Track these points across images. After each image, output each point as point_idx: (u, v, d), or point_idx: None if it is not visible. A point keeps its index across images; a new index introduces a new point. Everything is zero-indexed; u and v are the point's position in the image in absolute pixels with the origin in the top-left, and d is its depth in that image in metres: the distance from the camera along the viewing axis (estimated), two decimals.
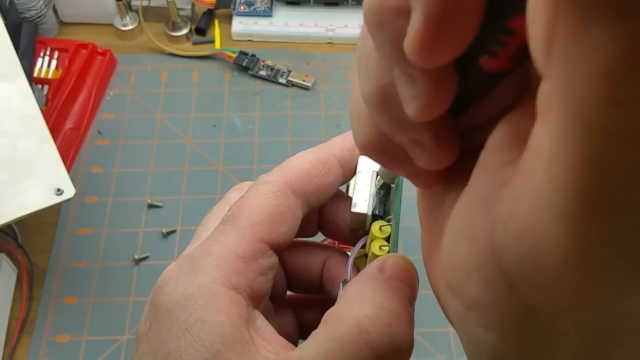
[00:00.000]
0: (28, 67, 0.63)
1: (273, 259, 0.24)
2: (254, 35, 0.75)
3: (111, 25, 0.75)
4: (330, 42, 0.75)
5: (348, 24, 0.75)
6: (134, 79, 0.72)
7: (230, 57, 0.72)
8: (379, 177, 0.28)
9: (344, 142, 0.29)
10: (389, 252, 0.26)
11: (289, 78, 0.70)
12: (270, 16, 0.75)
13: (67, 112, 0.67)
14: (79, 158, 0.65)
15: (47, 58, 0.69)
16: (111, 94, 0.71)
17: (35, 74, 0.67)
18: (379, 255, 0.26)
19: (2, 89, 0.52)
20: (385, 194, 0.29)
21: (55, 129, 0.65)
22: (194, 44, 0.75)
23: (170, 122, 0.68)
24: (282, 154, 0.65)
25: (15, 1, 0.65)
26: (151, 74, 0.72)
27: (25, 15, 0.69)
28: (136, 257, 0.58)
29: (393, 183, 0.28)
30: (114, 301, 0.56)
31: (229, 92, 0.71)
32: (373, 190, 0.29)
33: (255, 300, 0.22)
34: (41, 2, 0.70)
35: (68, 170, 0.62)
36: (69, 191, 0.48)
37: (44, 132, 0.50)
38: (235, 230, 0.23)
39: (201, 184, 0.63)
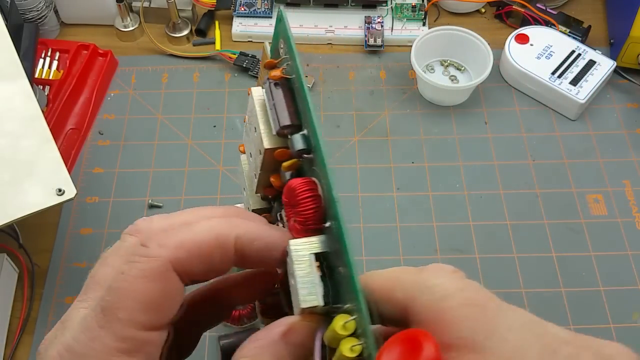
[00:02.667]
0: (29, 68, 0.63)
1: (159, 338, 0.23)
2: (254, 36, 0.75)
3: (112, 26, 0.75)
4: (330, 43, 0.75)
5: (348, 25, 0.75)
6: (134, 80, 0.72)
7: (230, 58, 0.72)
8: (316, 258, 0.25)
9: (248, 229, 0.25)
10: (364, 349, 0.22)
11: None
12: (270, 17, 0.75)
13: (68, 112, 0.67)
14: (80, 158, 0.65)
15: (48, 59, 0.69)
16: (112, 94, 0.71)
17: (37, 75, 0.67)
18: (351, 357, 0.22)
19: (4, 90, 0.52)
20: (329, 272, 0.26)
21: (56, 130, 0.65)
22: (195, 45, 0.75)
23: (171, 122, 0.68)
24: None
25: (16, 2, 0.65)
26: (152, 75, 0.72)
27: (27, 16, 0.69)
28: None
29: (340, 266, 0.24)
30: None
31: (229, 92, 0.71)
32: (317, 277, 0.25)
33: None
34: (42, 3, 0.70)
35: (69, 170, 0.62)
36: (70, 191, 0.48)
37: (45, 132, 0.50)
38: (113, 327, 0.21)
39: (202, 184, 0.63)
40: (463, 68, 0.71)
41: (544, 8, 0.74)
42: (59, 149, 0.50)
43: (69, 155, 0.65)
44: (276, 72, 0.29)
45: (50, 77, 0.68)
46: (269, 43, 0.31)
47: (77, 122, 0.67)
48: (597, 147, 0.65)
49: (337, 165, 0.64)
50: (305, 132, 0.27)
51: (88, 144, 0.67)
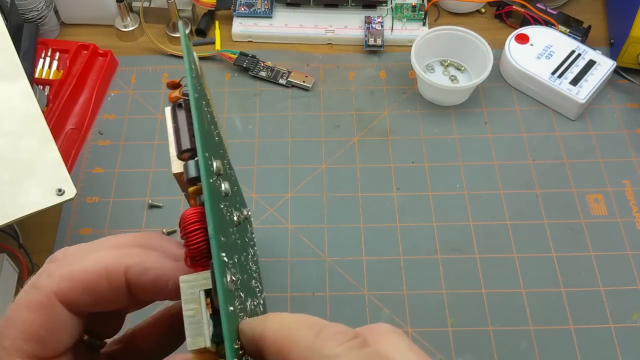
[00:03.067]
0: (29, 68, 0.63)
1: None
2: (254, 36, 0.75)
3: (112, 26, 0.75)
4: (330, 43, 0.75)
5: (348, 25, 0.75)
6: (134, 80, 0.72)
7: (230, 58, 0.72)
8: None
9: (141, 259, 0.24)
10: None
11: (289, 79, 0.71)
12: (270, 17, 0.75)
13: (68, 112, 0.67)
14: (80, 158, 0.65)
15: (48, 59, 0.69)
16: (112, 94, 0.71)
17: (37, 75, 0.67)
18: None
19: (4, 90, 0.52)
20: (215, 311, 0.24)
21: (56, 130, 0.65)
22: (195, 45, 0.75)
23: None
24: (282, 154, 0.66)
25: (16, 2, 0.65)
26: (152, 75, 0.72)
27: (27, 16, 0.69)
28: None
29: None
30: None
31: (229, 92, 0.71)
32: (206, 316, 0.23)
33: None
34: (42, 3, 0.70)
35: (69, 170, 0.62)
36: (70, 191, 0.48)
37: (45, 132, 0.50)
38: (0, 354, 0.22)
39: None
40: (463, 68, 0.71)
41: (544, 8, 0.74)
42: (59, 149, 0.50)
43: (69, 155, 0.65)
44: (175, 93, 0.28)
45: (50, 77, 0.68)
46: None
47: (77, 122, 0.67)
48: (597, 147, 0.65)
49: (337, 165, 0.64)
50: (198, 159, 0.24)
51: (88, 144, 0.67)
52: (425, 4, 0.75)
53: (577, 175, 0.63)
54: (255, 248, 0.38)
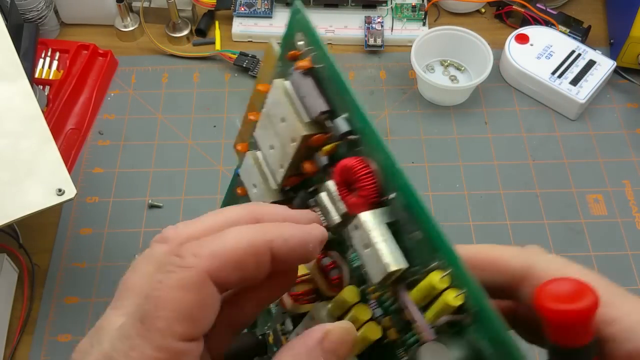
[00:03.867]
0: (29, 68, 0.63)
1: (196, 349, 0.23)
2: (254, 36, 0.75)
3: (112, 26, 0.75)
4: (330, 43, 0.75)
5: (348, 25, 0.75)
6: (134, 80, 0.72)
7: (230, 58, 0.72)
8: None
9: (280, 231, 0.25)
10: (467, 297, 0.25)
11: None
12: (270, 17, 0.75)
13: (68, 112, 0.67)
14: (80, 158, 0.65)
15: (48, 59, 0.69)
16: (112, 94, 0.71)
17: (37, 75, 0.67)
18: (455, 306, 0.25)
19: (3, 90, 0.52)
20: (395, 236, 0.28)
21: (56, 130, 0.65)
22: (195, 45, 0.75)
23: (171, 122, 0.68)
24: None
25: (16, 2, 0.65)
26: (152, 75, 0.72)
27: (27, 16, 0.69)
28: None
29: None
30: None
31: (229, 92, 0.71)
32: (394, 243, 0.27)
33: None
34: (42, 3, 0.70)
35: (69, 170, 0.62)
36: (70, 191, 0.48)
37: (45, 132, 0.50)
38: (152, 337, 0.22)
39: (202, 184, 0.63)
40: (463, 68, 0.71)
41: (544, 8, 0.74)
42: (59, 149, 0.50)
43: (69, 155, 0.65)
44: (304, 62, 0.30)
45: (50, 77, 0.68)
46: (278, 42, 0.33)
47: (77, 122, 0.67)
48: (597, 147, 0.65)
49: None
50: (346, 115, 0.29)
51: (88, 144, 0.67)
52: (425, 4, 0.75)
53: (577, 175, 0.63)
54: None
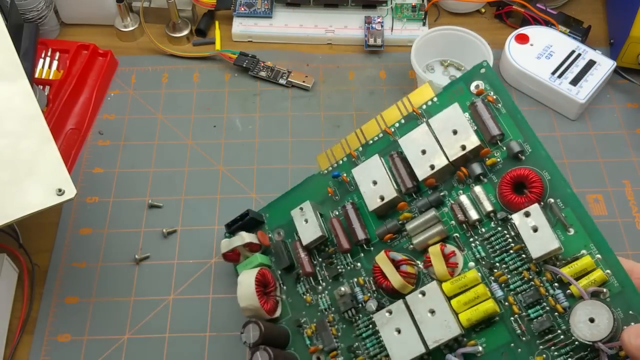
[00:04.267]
0: (29, 68, 0.63)
1: None
2: (254, 36, 0.75)
3: (112, 26, 0.75)
4: (330, 43, 0.75)
5: (348, 25, 0.75)
6: (134, 80, 0.72)
7: (230, 58, 0.72)
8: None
9: None
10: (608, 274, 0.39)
11: (289, 79, 0.71)
12: (270, 17, 0.75)
13: (68, 112, 0.67)
14: (80, 158, 0.65)
15: (48, 59, 0.69)
16: (112, 94, 0.71)
17: (37, 75, 0.67)
18: (604, 279, 0.39)
19: (3, 90, 0.52)
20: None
21: (56, 130, 0.65)
22: (195, 45, 0.75)
23: (171, 122, 0.68)
24: (282, 155, 0.66)
25: (16, 2, 0.65)
26: (152, 75, 0.72)
27: (27, 16, 0.69)
28: (137, 257, 0.58)
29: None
30: (115, 301, 0.56)
31: (229, 92, 0.71)
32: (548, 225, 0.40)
33: None
34: (42, 3, 0.70)
35: (69, 170, 0.62)
36: (70, 191, 0.48)
37: (45, 132, 0.50)
38: None
39: (202, 184, 0.63)
40: (463, 68, 0.71)
41: (544, 8, 0.74)
42: (59, 149, 0.50)
43: (69, 155, 0.65)
44: (490, 98, 0.45)
45: (50, 77, 0.68)
46: (431, 85, 0.49)
47: (77, 122, 0.67)
48: (597, 147, 0.65)
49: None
50: (519, 140, 0.43)
51: (88, 144, 0.67)
52: (425, 4, 0.75)
53: (577, 175, 0.63)
54: None
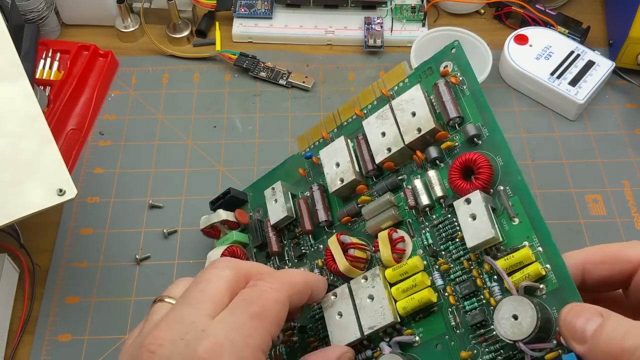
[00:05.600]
0: (30, 68, 0.63)
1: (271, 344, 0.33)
2: (254, 37, 0.75)
3: (112, 27, 0.75)
4: (330, 44, 0.75)
5: (347, 26, 0.75)
6: (135, 80, 0.72)
7: (230, 58, 0.72)
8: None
9: (316, 282, 0.41)
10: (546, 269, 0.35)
11: (289, 79, 0.71)
12: (270, 18, 0.76)
13: (69, 113, 0.67)
14: (81, 159, 0.66)
15: (49, 59, 0.69)
16: (113, 95, 0.71)
17: (37, 76, 0.68)
18: (540, 274, 0.35)
19: (4, 91, 0.52)
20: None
21: (57, 130, 0.65)
22: (195, 45, 0.75)
23: (171, 123, 0.68)
24: (282, 155, 0.66)
25: (17, 3, 0.65)
26: (152, 76, 0.73)
27: (27, 17, 0.70)
28: (137, 257, 0.58)
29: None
30: (116, 301, 0.56)
31: (229, 93, 0.71)
32: (494, 220, 0.37)
33: None
34: (43, 4, 0.71)
35: (70, 170, 0.62)
36: (71, 191, 0.48)
37: (46, 133, 0.50)
38: (263, 328, 0.33)
39: (202, 184, 0.64)
40: None
41: (543, 9, 0.74)
42: (59, 149, 0.50)
43: (70, 155, 0.65)
44: (454, 79, 0.43)
45: (51, 78, 0.68)
46: (411, 68, 0.48)
47: (77, 122, 0.68)
48: (596, 148, 0.66)
49: None
50: (478, 124, 0.41)
51: (89, 144, 0.67)
52: (425, 5, 0.76)
53: (576, 176, 0.63)
54: None
